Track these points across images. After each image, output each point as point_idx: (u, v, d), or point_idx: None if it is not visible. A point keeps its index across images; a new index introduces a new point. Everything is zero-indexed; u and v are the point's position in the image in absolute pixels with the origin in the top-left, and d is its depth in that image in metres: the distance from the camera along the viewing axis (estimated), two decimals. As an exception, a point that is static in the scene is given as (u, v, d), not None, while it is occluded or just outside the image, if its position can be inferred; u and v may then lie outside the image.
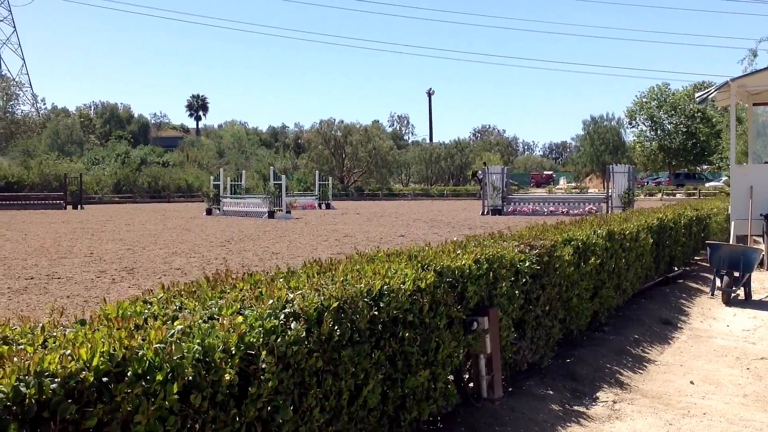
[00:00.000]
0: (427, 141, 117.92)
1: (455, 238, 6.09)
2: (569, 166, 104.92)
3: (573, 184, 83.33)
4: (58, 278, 11.73)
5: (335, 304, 3.53)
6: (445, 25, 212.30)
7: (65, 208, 44.64)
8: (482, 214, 35.38)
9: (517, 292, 5.65)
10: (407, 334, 4.17)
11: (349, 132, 77.03)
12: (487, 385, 5.17)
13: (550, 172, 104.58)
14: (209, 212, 36.30)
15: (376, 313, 3.89)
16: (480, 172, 58.91)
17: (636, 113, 79.52)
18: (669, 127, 77.00)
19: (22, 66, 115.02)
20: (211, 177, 41.24)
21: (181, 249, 16.89)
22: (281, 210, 32.58)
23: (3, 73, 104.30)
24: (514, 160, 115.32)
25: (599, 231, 7.94)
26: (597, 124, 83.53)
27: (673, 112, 76.41)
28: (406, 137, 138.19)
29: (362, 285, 3.87)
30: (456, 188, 76.87)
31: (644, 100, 78.70)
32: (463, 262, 4.92)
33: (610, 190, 34.62)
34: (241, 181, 39.91)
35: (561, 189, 72.61)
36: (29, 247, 17.40)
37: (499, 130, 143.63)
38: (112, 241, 19.11)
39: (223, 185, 37.45)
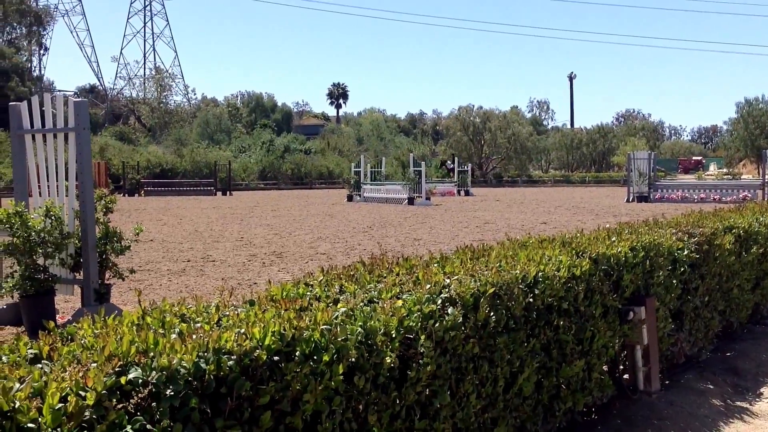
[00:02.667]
0: (568, 126, 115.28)
1: (608, 225, 5.91)
2: (720, 151, 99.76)
3: (724, 170, 79.06)
4: (213, 261, 12.28)
5: (491, 290, 3.50)
6: (588, 7, 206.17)
7: (215, 194, 46.73)
8: (627, 201, 34.28)
9: (674, 281, 5.42)
10: (562, 323, 4.09)
11: (487, 118, 76.45)
12: (644, 377, 5.00)
13: (699, 158, 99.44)
14: (350, 198, 37.00)
15: (531, 300, 3.83)
16: (448, 162, 56.82)
17: (795, 94, 74.35)
18: (832, 108, 71.62)
19: (175, 58, 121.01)
20: (352, 164, 42.01)
21: (325, 234, 17.30)
22: (421, 196, 32.78)
23: (157, 65, 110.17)
24: (661, 145, 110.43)
25: (762, 218, 7.49)
26: (752, 106, 78.96)
27: (837, 92, 70.95)
28: (545, 123, 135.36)
29: (517, 271, 3.82)
30: (598, 174, 74.84)
31: (805, 79, 73.41)
32: (618, 250, 4.77)
33: (767, 176, 32.66)
34: (380, 168, 40.42)
35: (711, 175, 68.94)
36: (184, 231, 18.31)
37: (644, 115, 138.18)
38: (260, 227, 19.82)
39: (363, 172, 38.06)
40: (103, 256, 7.45)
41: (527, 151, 77.60)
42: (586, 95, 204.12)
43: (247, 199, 40.51)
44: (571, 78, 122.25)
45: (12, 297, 7.28)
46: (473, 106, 79.78)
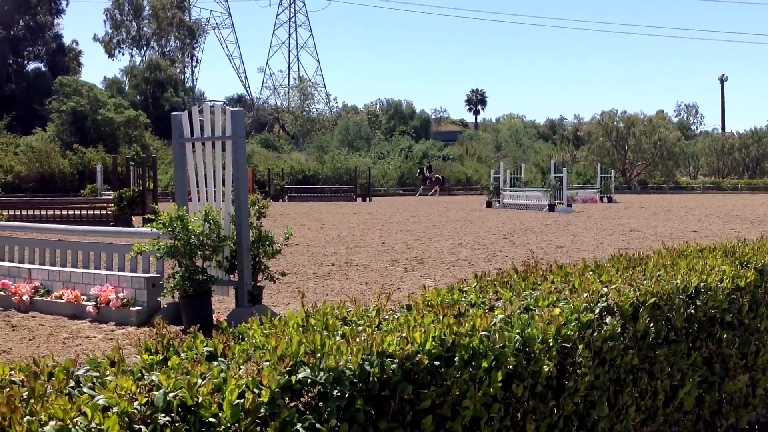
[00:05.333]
0: (719, 131, 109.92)
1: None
2: None
3: None
4: (356, 265, 12.51)
5: (651, 300, 3.40)
6: (740, 6, 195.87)
7: (355, 200, 47.57)
8: (785, 208, 32.34)
9: None
10: (725, 335, 3.91)
11: (632, 123, 74.01)
12: (813, 396, 4.69)
13: None
14: (489, 205, 36.75)
15: (692, 311, 3.69)
16: (425, 169, 54.22)
17: None
18: None
19: (317, 67, 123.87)
20: (491, 170, 41.75)
21: (466, 240, 17.27)
22: (562, 203, 32.13)
23: (301, 74, 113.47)
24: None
25: None
26: None
27: None
28: (693, 127, 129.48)
29: (678, 281, 3.69)
30: (752, 181, 70.99)
31: None
32: (786, 260, 4.51)
33: None
34: (520, 174, 39.95)
35: None
36: (327, 236, 18.76)
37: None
38: (401, 232, 20.01)
39: (502, 178, 37.73)
40: (256, 259, 7.76)
41: (674, 156, 74.50)
42: (738, 98, 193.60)
43: (387, 204, 41.01)
44: (722, 80, 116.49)
45: (173, 297, 7.69)
46: (616, 110, 77.39)
